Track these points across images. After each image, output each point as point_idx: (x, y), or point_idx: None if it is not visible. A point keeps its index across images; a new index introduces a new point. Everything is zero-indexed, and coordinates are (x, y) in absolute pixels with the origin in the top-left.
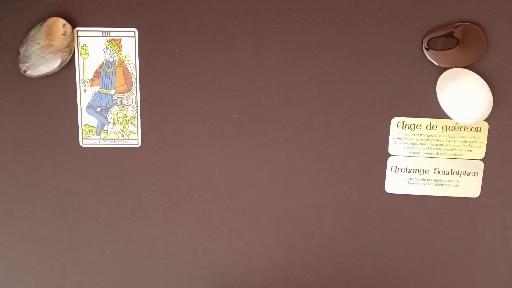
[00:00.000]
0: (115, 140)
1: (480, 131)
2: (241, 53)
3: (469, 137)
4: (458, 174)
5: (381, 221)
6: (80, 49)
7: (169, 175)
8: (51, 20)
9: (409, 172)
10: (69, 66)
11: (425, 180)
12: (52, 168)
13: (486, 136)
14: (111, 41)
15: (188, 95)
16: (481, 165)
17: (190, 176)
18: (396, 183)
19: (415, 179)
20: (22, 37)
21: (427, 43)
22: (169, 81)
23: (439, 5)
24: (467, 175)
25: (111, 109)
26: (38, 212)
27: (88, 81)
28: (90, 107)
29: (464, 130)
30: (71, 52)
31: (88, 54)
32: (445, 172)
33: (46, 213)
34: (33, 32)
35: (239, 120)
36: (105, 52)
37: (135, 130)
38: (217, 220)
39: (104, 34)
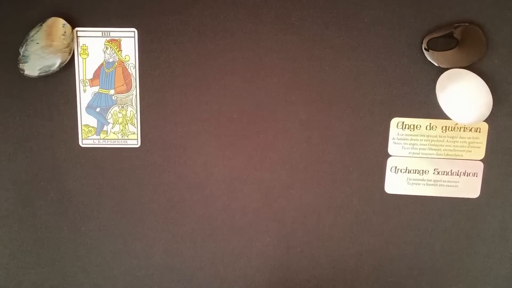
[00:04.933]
0: (114, 140)
1: (479, 132)
2: (241, 53)
3: (468, 138)
4: (457, 175)
5: (381, 221)
6: (79, 49)
7: (169, 175)
8: (51, 20)
9: (408, 172)
10: (69, 66)
11: (425, 180)
12: (52, 168)
13: (486, 137)
14: (110, 41)
15: (188, 95)
16: (480, 165)
17: (190, 176)
18: (396, 183)
19: (415, 179)
20: (22, 37)
21: (427, 44)
22: (169, 81)
23: (439, 5)
24: (467, 176)
25: (110, 109)
26: (38, 212)
27: (87, 81)
28: (89, 107)
29: (464, 131)
30: (70, 52)
31: (87, 54)
32: (445, 173)
33: (46, 213)
34: (33, 32)
35: (239, 120)
36: (104, 52)
37: (135, 130)
38: (217, 220)
39: (103, 34)
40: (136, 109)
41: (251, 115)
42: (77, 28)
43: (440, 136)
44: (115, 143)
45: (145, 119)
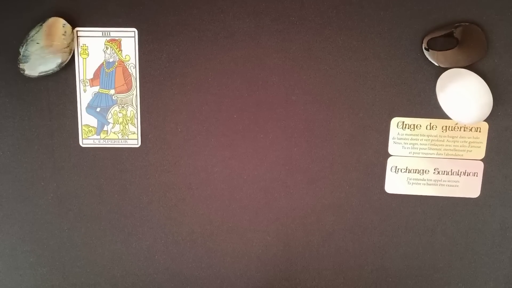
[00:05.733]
0: (115, 140)
1: (480, 131)
2: (241, 53)
3: (469, 137)
4: (458, 174)
5: (381, 221)
6: (80, 49)
7: (169, 175)
8: (51, 20)
9: (409, 172)
10: (69, 66)
11: (425, 180)
12: (52, 168)
13: (486, 136)
14: (111, 41)
15: (188, 95)
16: (481, 165)
17: (190, 176)
18: (396, 183)
19: (415, 179)
20: (22, 37)
21: (427, 43)
22: (169, 81)
23: (439, 5)
24: (467, 175)
25: (111, 109)
26: (38, 212)
27: (88, 81)
28: (90, 107)
29: (464, 130)
30: (71, 52)
31: (88, 54)
32: (445, 172)
33: (46, 213)
34: (33, 32)
35: (239, 120)
36: (105, 52)
37: (135, 130)
38: (217, 220)
39: (104, 34)
40: (136, 109)
41: (251, 115)
42: (77, 28)
43: (440, 136)
44: (115, 143)
45: (145, 119)
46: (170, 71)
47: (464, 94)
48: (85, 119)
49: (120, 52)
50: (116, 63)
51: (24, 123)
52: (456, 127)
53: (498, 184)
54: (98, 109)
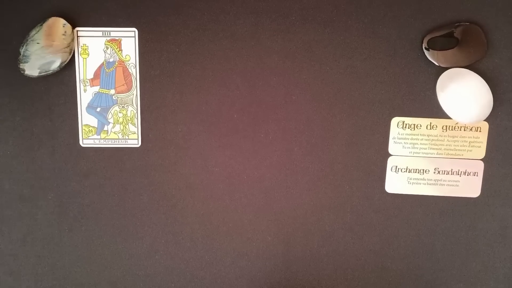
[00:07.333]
0: (115, 140)
1: (480, 131)
2: (241, 53)
3: (469, 137)
4: (458, 174)
5: (381, 221)
6: (80, 49)
7: (169, 175)
8: (51, 20)
9: (409, 172)
10: (69, 66)
11: (425, 180)
12: (52, 168)
13: (486, 136)
14: (111, 41)
15: (188, 95)
16: (481, 165)
17: (190, 176)
18: (396, 183)
19: (415, 179)
20: (22, 37)
21: (427, 43)
22: (169, 81)
23: (439, 5)
24: (467, 175)
25: (111, 109)
26: (38, 212)
27: (88, 81)
28: (90, 107)
29: (464, 130)
30: (71, 52)
31: (88, 54)
32: (445, 172)
33: (46, 213)
34: (33, 32)
35: (239, 120)
36: (105, 52)
37: (135, 130)
38: (217, 220)
39: (104, 34)
40: (137, 109)
41: (251, 115)
42: (77, 28)
43: (441, 136)
44: (115, 143)
45: (146, 119)
46: (170, 71)
47: (464, 93)
48: (85, 119)
49: (120, 52)
50: (116, 63)
51: (24, 123)
52: (456, 127)
53: (498, 184)
54: (98, 109)
